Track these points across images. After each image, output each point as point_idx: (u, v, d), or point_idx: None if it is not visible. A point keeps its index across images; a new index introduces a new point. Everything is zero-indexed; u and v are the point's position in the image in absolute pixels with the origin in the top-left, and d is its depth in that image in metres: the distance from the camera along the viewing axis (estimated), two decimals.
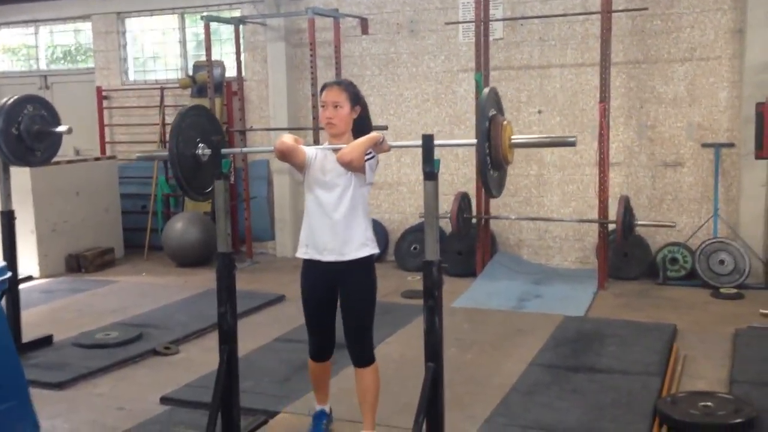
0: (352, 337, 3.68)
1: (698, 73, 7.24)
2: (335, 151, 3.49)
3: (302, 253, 3.69)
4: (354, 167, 3.44)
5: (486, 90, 3.32)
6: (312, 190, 3.64)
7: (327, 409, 4.04)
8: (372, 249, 3.64)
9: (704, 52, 7.20)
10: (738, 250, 6.81)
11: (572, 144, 3.32)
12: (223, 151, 3.83)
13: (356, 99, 3.62)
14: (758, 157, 6.63)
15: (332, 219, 3.56)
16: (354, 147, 3.40)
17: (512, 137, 3.25)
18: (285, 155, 3.56)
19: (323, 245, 3.60)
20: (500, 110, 3.35)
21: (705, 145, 7.22)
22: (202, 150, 3.69)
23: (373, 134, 3.45)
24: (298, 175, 3.75)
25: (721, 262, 6.83)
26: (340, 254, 3.58)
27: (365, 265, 3.63)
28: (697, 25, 7.20)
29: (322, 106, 3.60)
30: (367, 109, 3.73)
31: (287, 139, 3.58)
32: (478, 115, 3.23)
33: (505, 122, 3.21)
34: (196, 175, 3.72)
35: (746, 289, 6.71)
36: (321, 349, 3.81)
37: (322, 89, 3.65)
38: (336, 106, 3.56)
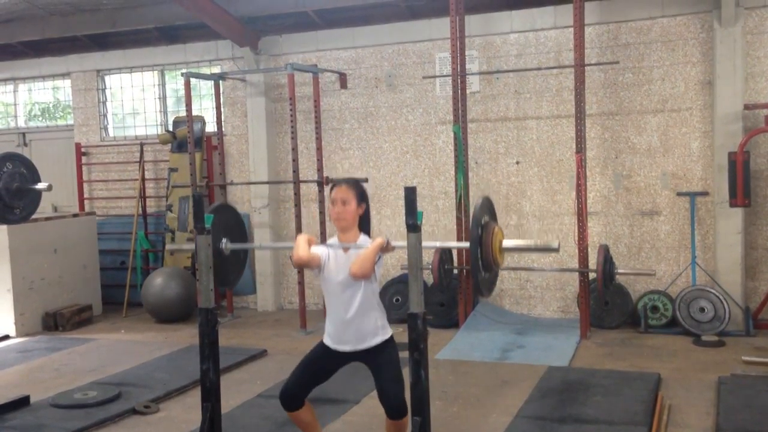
0: (390, 401, 3.74)
1: (670, 124, 7.41)
2: (345, 250, 3.78)
3: (326, 340, 3.94)
4: (367, 278, 3.70)
5: (480, 199, 3.56)
6: (327, 289, 3.88)
7: None
8: (383, 335, 3.86)
9: (675, 103, 7.38)
10: (717, 298, 6.87)
11: (556, 250, 3.59)
12: (240, 246, 4.30)
13: (362, 196, 3.86)
14: (733, 205, 6.77)
15: (346, 317, 3.81)
16: (364, 262, 3.60)
17: (503, 242, 3.51)
18: (302, 266, 3.91)
19: (338, 338, 3.87)
20: (493, 216, 3.60)
21: (680, 194, 7.34)
22: (225, 245, 4.16)
23: (378, 241, 3.63)
24: (315, 271, 3.93)
25: (702, 309, 6.88)
26: (355, 346, 3.84)
27: (383, 346, 3.84)
28: (668, 77, 7.39)
29: (332, 203, 3.82)
30: (369, 205, 3.97)
31: (303, 250, 3.78)
32: (472, 222, 3.47)
33: (496, 228, 3.42)
34: (219, 267, 4.15)
35: (727, 336, 6.76)
36: (293, 396, 3.89)
37: (332, 188, 3.87)
38: (344, 203, 3.78)
